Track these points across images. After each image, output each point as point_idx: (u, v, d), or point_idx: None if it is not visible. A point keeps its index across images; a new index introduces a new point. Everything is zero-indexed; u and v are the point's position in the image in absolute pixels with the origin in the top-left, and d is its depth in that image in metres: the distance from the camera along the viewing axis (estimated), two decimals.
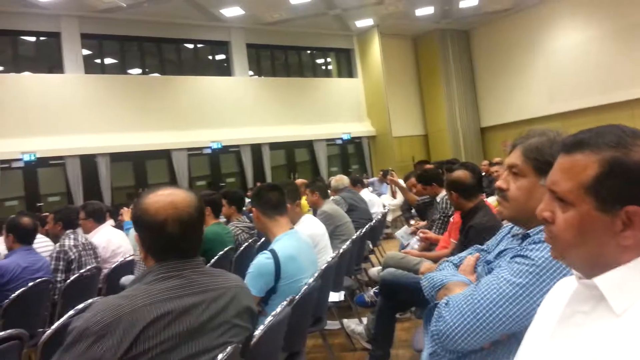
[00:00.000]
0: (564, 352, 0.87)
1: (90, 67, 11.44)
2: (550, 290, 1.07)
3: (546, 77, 13.90)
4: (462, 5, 13.35)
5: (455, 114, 15.43)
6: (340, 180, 5.99)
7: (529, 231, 1.39)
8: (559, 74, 13.52)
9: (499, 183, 1.47)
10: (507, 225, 1.65)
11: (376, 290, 3.70)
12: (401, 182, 6.38)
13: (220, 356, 1.37)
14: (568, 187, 0.86)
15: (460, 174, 3.06)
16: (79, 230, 4.22)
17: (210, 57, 13.73)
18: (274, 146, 13.34)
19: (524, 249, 1.32)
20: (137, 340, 1.25)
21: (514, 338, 1.28)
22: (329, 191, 5.44)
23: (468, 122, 15.62)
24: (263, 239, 4.06)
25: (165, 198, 1.42)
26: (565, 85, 13.34)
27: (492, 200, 3.47)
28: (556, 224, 0.88)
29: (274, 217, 2.61)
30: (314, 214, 4.52)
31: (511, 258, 1.34)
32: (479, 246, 1.71)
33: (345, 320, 3.61)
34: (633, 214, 0.80)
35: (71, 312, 2.21)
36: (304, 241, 2.71)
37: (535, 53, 14.13)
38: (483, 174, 5.84)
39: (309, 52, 15.15)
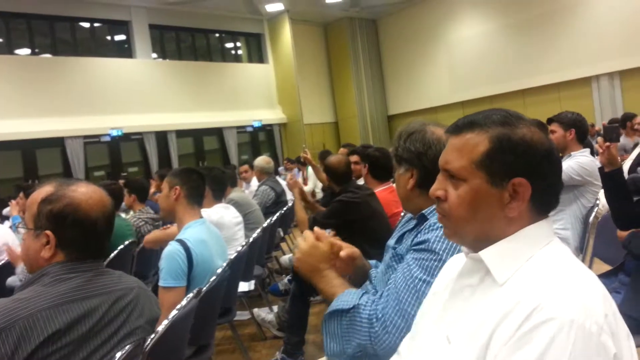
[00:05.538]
0: (453, 324, 0.91)
1: None
2: (442, 268, 1.10)
3: (448, 66, 14.59)
4: None
5: (364, 101, 15.78)
6: (269, 162, 5.48)
7: (423, 211, 1.41)
8: (459, 64, 14.25)
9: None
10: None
11: (290, 279, 3.69)
12: None
13: (118, 354, 1.29)
14: (461, 164, 0.91)
15: (333, 160, 3.40)
16: None
17: (108, 38, 12.77)
18: (180, 134, 12.81)
19: (427, 241, 1.32)
20: (38, 349, 1.13)
21: None
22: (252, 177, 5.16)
23: (376, 110, 16.05)
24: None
25: (94, 194, 1.35)
26: (465, 74, 14.10)
27: None
28: (449, 201, 0.93)
29: (193, 205, 2.49)
30: None
31: (415, 250, 1.34)
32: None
33: (255, 310, 3.55)
34: (518, 185, 0.87)
35: None
36: (213, 229, 2.65)
37: (438, 43, 14.77)
38: None
39: (217, 35, 14.65)
